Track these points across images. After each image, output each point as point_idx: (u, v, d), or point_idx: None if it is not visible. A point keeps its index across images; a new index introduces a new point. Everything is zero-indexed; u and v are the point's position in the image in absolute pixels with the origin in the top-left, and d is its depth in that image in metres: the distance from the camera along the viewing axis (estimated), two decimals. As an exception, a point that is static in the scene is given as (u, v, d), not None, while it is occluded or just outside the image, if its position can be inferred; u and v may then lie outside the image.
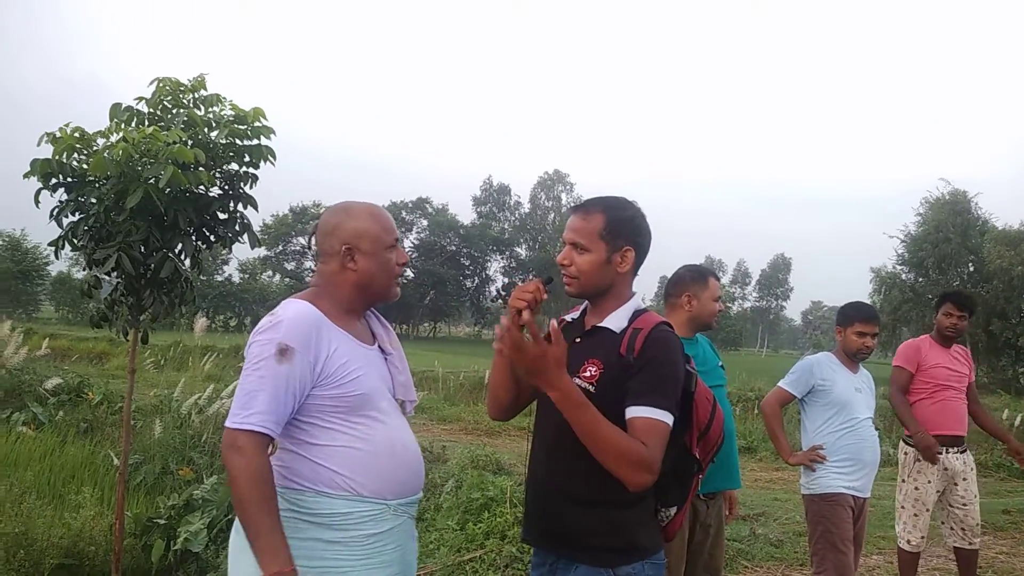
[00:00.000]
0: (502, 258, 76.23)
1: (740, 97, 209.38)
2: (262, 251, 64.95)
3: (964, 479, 4.54)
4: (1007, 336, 32.64)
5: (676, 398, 1.92)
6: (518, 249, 76.67)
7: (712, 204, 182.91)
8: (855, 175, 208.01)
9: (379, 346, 2.08)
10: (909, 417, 4.50)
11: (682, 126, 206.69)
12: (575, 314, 2.17)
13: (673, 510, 2.06)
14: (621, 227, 2.01)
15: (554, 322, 1.86)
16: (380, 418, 1.93)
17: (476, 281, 75.44)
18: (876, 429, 10.66)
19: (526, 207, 78.75)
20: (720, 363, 3.36)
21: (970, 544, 4.58)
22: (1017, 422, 12.73)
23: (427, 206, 73.95)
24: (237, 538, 1.92)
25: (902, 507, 4.59)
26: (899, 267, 37.44)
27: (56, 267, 51.26)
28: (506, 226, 77.68)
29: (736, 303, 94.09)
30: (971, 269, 35.11)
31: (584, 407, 1.80)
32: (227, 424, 1.79)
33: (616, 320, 2.00)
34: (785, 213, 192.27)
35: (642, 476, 1.81)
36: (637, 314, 2.02)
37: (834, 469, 3.60)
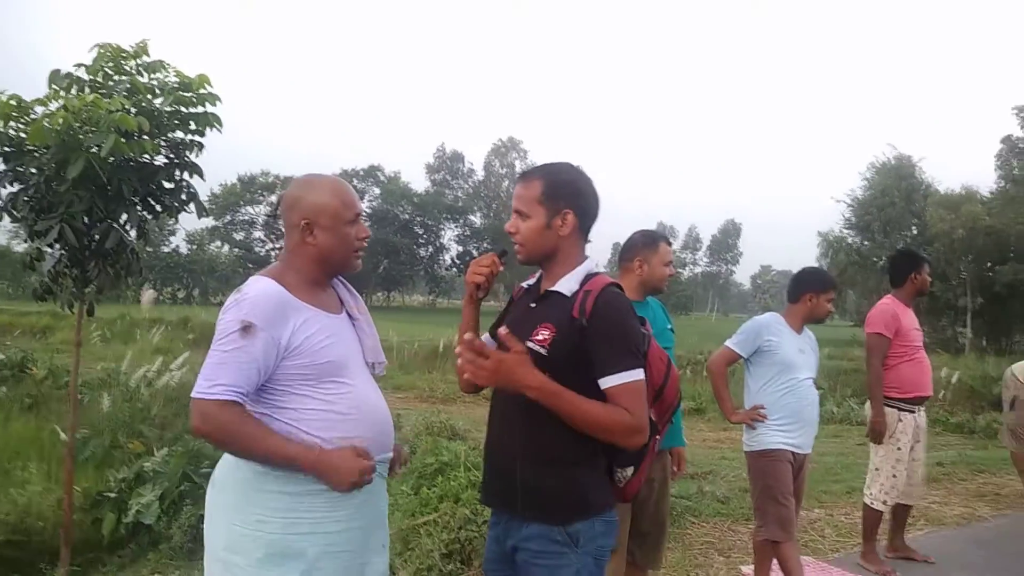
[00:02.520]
0: (456, 226, 75.95)
1: (694, 61, 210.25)
2: (210, 221, 63.63)
3: (923, 435, 4.72)
4: (947, 297, 33.67)
5: (639, 351, 1.99)
6: (472, 217, 76.43)
7: (664, 170, 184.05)
8: (804, 140, 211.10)
9: (347, 312, 2.12)
10: (879, 394, 4.57)
11: (636, 92, 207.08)
12: (532, 280, 2.21)
13: (630, 470, 2.10)
14: (559, 190, 2.04)
15: (503, 329, 1.94)
16: (348, 382, 1.98)
17: (430, 250, 75.10)
18: (820, 389, 10.96)
19: (480, 174, 78.59)
20: (670, 326, 3.43)
21: (912, 498, 4.76)
22: (954, 380, 13.23)
23: (379, 174, 73.11)
24: (212, 492, 1.98)
25: (878, 469, 4.64)
26: (845, 231, 38.24)
27: (-5, 240, 49.62)
28: (460, 194, 77.33)
29: (687, 268, 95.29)
30: (914, 232, 36.00)
31: (560, 394, 1.87)
32: (193, 395, 1.82)
33: (567, 284, 2.04)
34: (736, 179, 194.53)
35: (633, 439, 1.92)
36: (589, 277, 2.05)
37: (774, 426, 3.71)
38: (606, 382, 1.91)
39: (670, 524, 5.13)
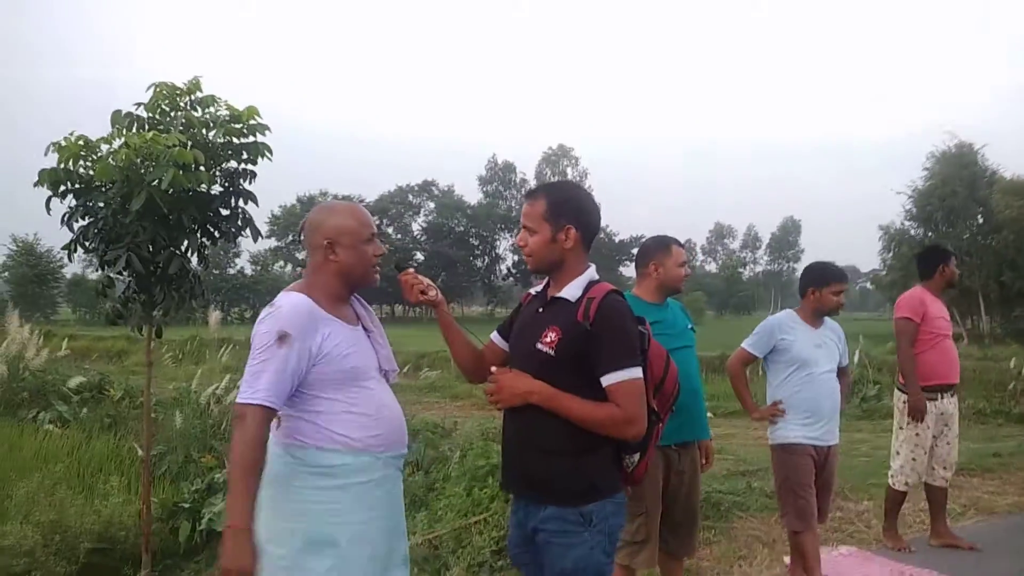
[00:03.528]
0: (510, 236, 76.29)
1: (744, 56, 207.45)
2: (272, 242, 65.35)
3: (952, 419, 4.85)
4: (1019, 286, 32.59)
5: (637, 350, 2.21)
6: (526, 227, 76.73)
7: (720, 170, 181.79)
8: (861, 131, 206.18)
9: (362, 326, 2.35)
10: (912, 375, 4.72)
11: (686, 91, 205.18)
12: (540, 287, 2.43)
13: (636, 456, 2.29)
14: (561, 208, 2.27)
15: (493, 368, 2.28)
16: (368, 387, 2.22)
17: (486, 260, 75.58)
18: (877, 384, 10.79)
19: (532, 183, 78.75)
20: (691, 326, 3.58)
21: (945, 481, 4.88)
22: (1024, 370, 12.88)
23: (433, 188, 74.02)
24: (264, 490, 2.17)
25: (898, 452, 4.84)
26: (907, 223, 37.36)
27: (71, 269, 51.93)
28: (513, 204, 77.72)
29: (747, 268, 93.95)
30: (980, 221, 34.98)
31: (559, 396, 2.14)
32: (236, 400, 2.07)
33: (571, 291, 2.26)
34: (794, 174, 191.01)
35: (627, 430, 2.15)
36: (591, 284, 2.27)
37: (794, 421, 3.81)
38: (606, 379, 2.13)
39: (714, 518, 5.29)
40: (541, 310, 2.32)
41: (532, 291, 2.47)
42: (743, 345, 4.02)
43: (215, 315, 18.06)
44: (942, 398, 4.79)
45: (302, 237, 2.35)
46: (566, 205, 2.28)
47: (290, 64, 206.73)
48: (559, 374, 2.16)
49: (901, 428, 4.85)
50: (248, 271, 63.79)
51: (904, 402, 4.79)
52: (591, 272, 2.31)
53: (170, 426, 8.39)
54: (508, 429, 2.34)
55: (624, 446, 2.25)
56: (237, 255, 61.06)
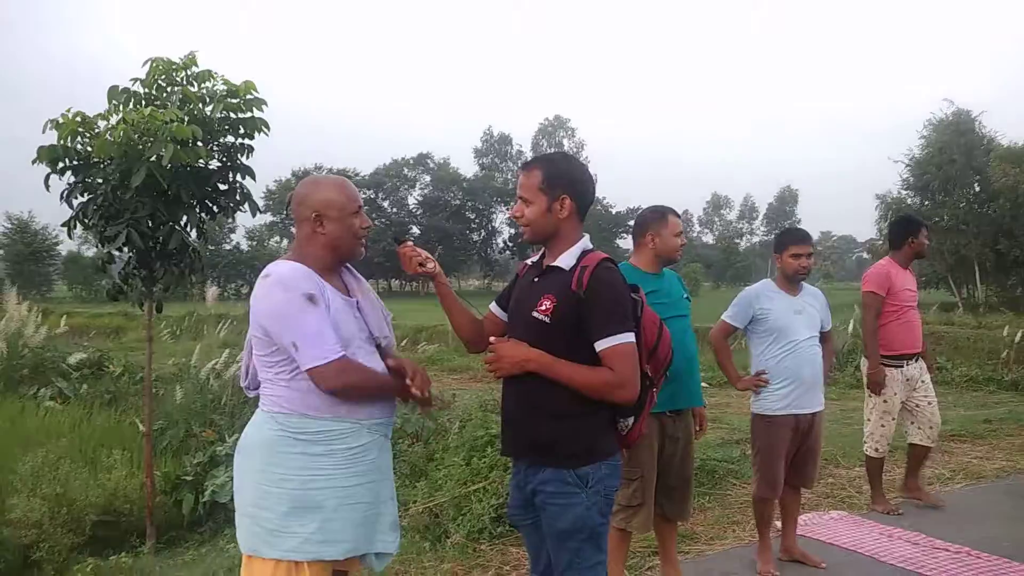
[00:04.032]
0: (507, 209, 76.09)
1: (740, 26, 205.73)
2: (268, 217, 65.11)
3: (922, 381, 5.01)
4: (1015, 254, 32.63)
5: (629, 317, 2.27)
6: (522, 199, 76.46)
7: (717, 139, 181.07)
8: (858, 100, 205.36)
9: (352, 296, 2.39)
10: (874, 349, 4.92)
11: (682, 62, 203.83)
12: (536, 257, 2.50)
13: (631, 420, 2.36)
14: (556, 179, 2.32)
15: (492, 339, 2.35)
16: (353, 355, 2.25)
17: (483, 234, 75.38)
18: (856, 336, 10.84)
19: (528, 155, 78.41)
20: (686, 295, 3.63)
21: (931, 441, 5.05)
22: (1018, 338, 12.94)
23: (429, 161, 73.60)
24: (240, 458, 2.29)
25: (868, 418, 5.04)
26: (904, 192, 37.27)
27: (66, 246, 51.87)
28: (509, 176, 77.39)
29: (744, 238, 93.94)
30: (976, 189, 34.93)
31: (555, 363, 2.22)
32: (312, 364, 2.12)
33: (566, 260, 2.32)
34: (789, 143, 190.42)
35: (620, 394, 2.21)
36: (585, 253, 2.32)
37: (776, 391, 3.89)
38: (600, 345, 2.20)
39: (709, 485, 5.40)
40: (537, 279, 2.38)
41: (528, 261, 2.53)
42: (723, 317, 4.07)
43: (212, 290, 18.15)
44: (907, 365, 4.95)
45: (288, 210, 2.40)
46: (561, 176, 2.33)
47: (281, 38, 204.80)
48: (555, 341, 2.22)
49: (869, 396, 5.02)
50: (244, 246, 63.64)
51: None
52: (585, 241, 2.37)
53: (170, 401, 8.47)
54: (507, 396, 2.41)
55: (619, 410, 2.31)
56: (233, 230, 60.91)
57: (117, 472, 6.15)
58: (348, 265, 2.45)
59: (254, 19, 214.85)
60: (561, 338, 2.22)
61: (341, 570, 2.29)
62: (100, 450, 7.29)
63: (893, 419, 4.95)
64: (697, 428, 3.67)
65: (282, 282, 2.17)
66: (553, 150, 74.55)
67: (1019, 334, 13.04)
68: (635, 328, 2.28)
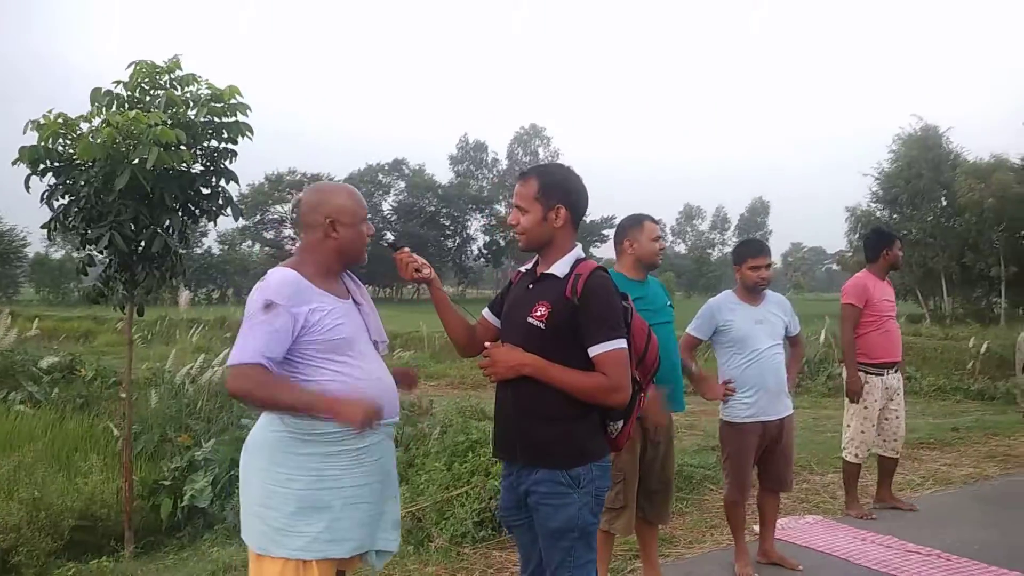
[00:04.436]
0: (482, 216, 76.13)
1: (715, 37, 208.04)
2: (240, 221, 64.45)
3: (897, 394, 5.17)
4: (980, 267, 33.30)
5: (621, 323, 2.35)
6: (498, 206, 76.44)
7: (690, 151, 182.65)
8: (830, 114, 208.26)
9: (352, 299, 2.46)
10: (851, 358, 5.06)
11: (657, 72, 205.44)
12: (529, 265, 2.57)
13: (620, 423, 2.44)
14: (552, 189, 2.40)
15: (487, 344, 2.43)
16: (358, 356, 2.32)
17: (457, 241, 75.26)
18: (842, 362, 11.07)
19: (504, 163, 78.62)
20: (669, 303, 3.72)
21: (895, 452, 5.22)
22: (983, 349, 13.25)
23: (404, 167, 73.39)
24: (246, 456, 2.33)
25: (848, 424, 5.16)
26: (873, 204, 37.90)
27: (33, 248, 51.08)
28: (484, 184, 77.46)
29: (716, 248, 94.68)
30: (943, 203, 35.59)
31: (549, 367, 2.28)
32: (228, 363, 2.18)
33: (560, 267, 2.40)
34: (761, 155, 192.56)
35: (613, 397, 2.29)
36: (578, 262, 2.40)
37: (742, 399, 3.98)
38: (593, 350, 2.28)
39: (686, 491, 5.48)
40: (532, 286, 2.45)
41: (522, 269, 2.60)
42: (688, 330, 4.13)
43: (185, 295, 17.98)
44: (887, 374, 5.09)
45: (295, 216, 2.45)
46: (557, 186, 2.41)
47: (253, 40, 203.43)
48: (549, 346, 2.29)
49: (851, 402, 5.14)
50: (216, 251, 63.03)
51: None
52: (578, 250, 2.44)
53: (145, 406, 8.40)
54: (502, 399, 2.46)
55: (609, 413, 2.38)
56: (204, 234, 60.29)
57: (94, 477, 6.09)
58: (348, 272, 2.51)
59: (225, 20, 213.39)
60: (555, 343, 2.29)
61: (340, 568, 2.34)
62: (74, 455, 7.22)
63: (873, 425, 5.08)
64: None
65: (263, 287, 2.24)
66: (529, 159, 74.96)
67: (984, 345, 13.38)
68: (626, 334, 2.34)
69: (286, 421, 2.24)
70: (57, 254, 58.67)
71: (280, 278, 2.25)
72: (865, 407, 5.06)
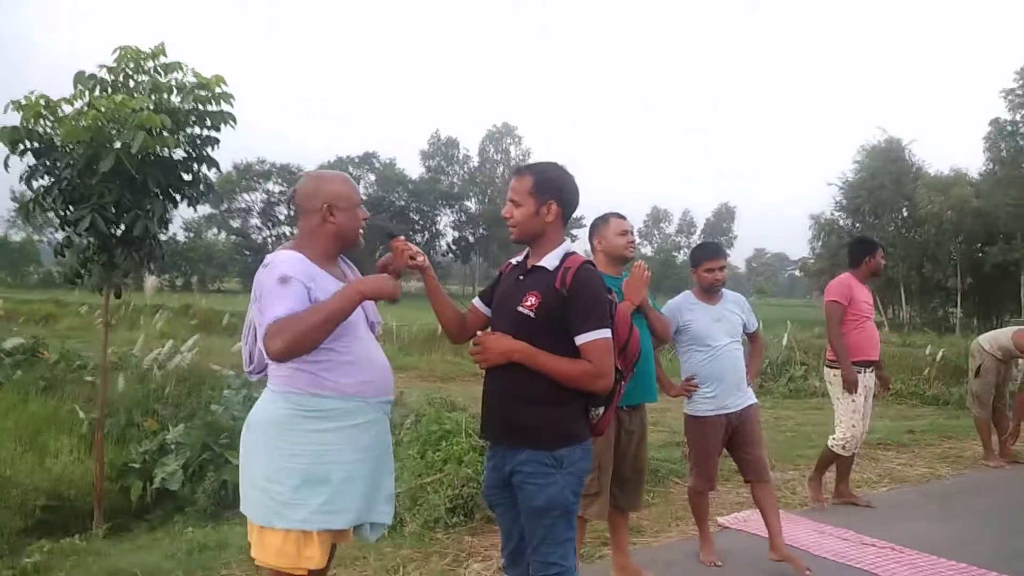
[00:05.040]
0: (452, 212, 76.00)
1: (686, 44, 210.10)
2: (206, 209, 63.68)
3: (871, 394, 5.39)
4: (938, 278, 34.14)
5: (607, 314, 2.48)
6: (468, 203, 76.38)
7: (658, 155, 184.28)
8: (799, 123, 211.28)
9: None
10: (844, 352, 5.22)
11: (628, 75, 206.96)
12: (520, 257, 2.69)
13: (601, 409, 2.57)
14: (546, 185, 2.53)
15: (478, 332, 2.55)
16: (358, 337, 2.42)
17: (427, 236, 75.00)
18: (804, 364, 11.34)
19: (475, 160, 78.53)
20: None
21: (856, 449, 5.43)
22: (939, 357, 13.60)
23: (374, 161, 73.08)
24: (249, 434, 2.41)
25: (840, 421, 5.32)
26: (837, 213, 38.67)
27: (-8, 230, 49.98)
28: (455, 180, 77.28)
29: (682, 252, 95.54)
30: (904, 214, 36.43)
31: (537, 354, 2.40)
32: (263, 324, 2.20)
33: (550, 260, 2.52)
34: (730, 163, 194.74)
35: (598, 383, 2.42)
36: (567, 255, 2.53)
37: (705, 395, 4.14)
38: (580, 339, 2.41)
39: (653, 483, 5.63)
40: (522, 277, 2.58)
41: (512, 261, 2.72)
42: None
43: (151, 281, 17.80)
44: (865, 373, 5.30)
45: (293, 204, 2.53)
46: (551, 183, 2.54)
47: (223, 29, 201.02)
48: (538, 334, 2.42)
49: (839, 399, 5.32)
50: (181, 238, 62.13)
51: (836, 375, 5.29)
52: (567, 245, 2.58)
53: (112, 390, 8.36)
54: (491, 384, 2.58)
55: (592, 399, 2.52)
56: (169, 221, 59.42)
57: (63, 457, 6.09)
58: (344, 257, 2.60)
59: (194, 7, 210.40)
60: (544, 332, 2.42)
61: (334, 540, 2.45)
62: (37, 437, 7.17)
63: (863, 418, 5.29)
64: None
65: (269, 267, 2.31)
66: (500, 156, 74.97)
67: (940, 353, 13.76)
68: (610, 325, 2.47)
69: (290, 399, 2.32)
70: (17, 236, 57.56)
71: (287, 256, 2.34)
72: (853, 400, 5.24)
